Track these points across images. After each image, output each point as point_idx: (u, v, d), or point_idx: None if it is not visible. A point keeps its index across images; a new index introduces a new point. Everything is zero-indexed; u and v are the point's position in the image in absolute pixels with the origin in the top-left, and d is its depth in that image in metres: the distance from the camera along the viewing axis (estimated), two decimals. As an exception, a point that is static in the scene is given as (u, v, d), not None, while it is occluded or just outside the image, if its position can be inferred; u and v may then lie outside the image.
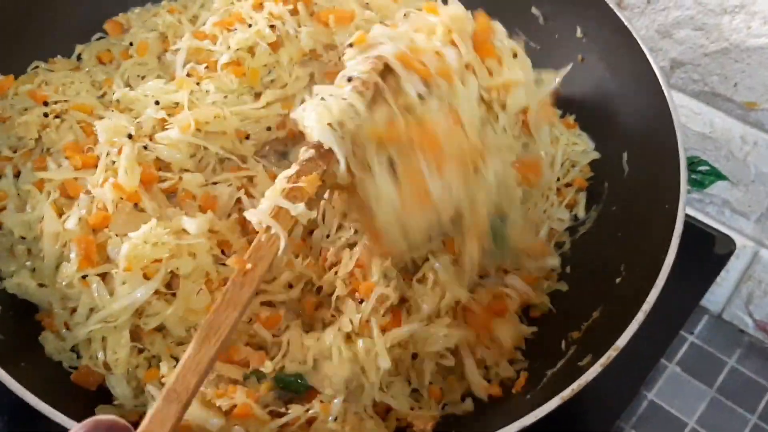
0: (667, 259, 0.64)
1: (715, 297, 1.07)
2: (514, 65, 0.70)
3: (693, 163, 0.98)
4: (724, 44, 0.87)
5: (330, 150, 0.60)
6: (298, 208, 0.58)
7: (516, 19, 0.90)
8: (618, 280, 0.72)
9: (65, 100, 0.81)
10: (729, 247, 0.94)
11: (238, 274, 0.56)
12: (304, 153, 0.61)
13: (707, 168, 0.97)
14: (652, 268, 0.64)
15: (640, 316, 0.61)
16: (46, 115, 0.79)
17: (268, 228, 0.58)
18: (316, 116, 0.60)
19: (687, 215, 0.98)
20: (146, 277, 0.66)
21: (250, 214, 0.59)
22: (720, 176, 0.97)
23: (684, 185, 0.69)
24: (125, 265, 0.65)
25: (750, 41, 0.85)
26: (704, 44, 0.89)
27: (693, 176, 0.99)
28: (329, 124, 0.59)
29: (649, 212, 0.74)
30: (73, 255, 0.69)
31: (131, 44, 0.88)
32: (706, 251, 0.94)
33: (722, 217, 1.00)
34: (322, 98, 0.62)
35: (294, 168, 0.61)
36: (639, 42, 0.79)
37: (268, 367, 0.64)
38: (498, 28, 0.70)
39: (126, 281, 0.66)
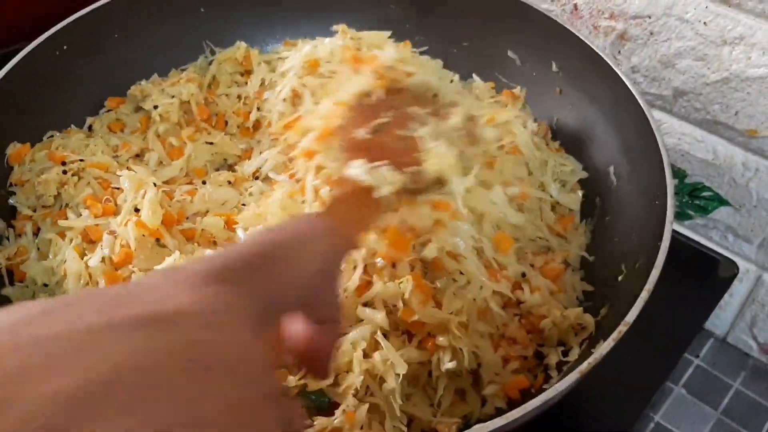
0: (663, 244, 0.67)
1: (720, 321, 1.08)
2: None
3: (696, 189, 0.99)
4: (724, 74, 0.89)
5: None
6: None
7: (495, 64, 0.97)
8: (620, 278, 0.74)
9: (81, 159, 0.84)
10: (732, 270, 0.95)
11: None
12: None
13: (710, 194, 0.98)
14: (650, 257, 0.67)
15: (644, 295, 0.63)
16: (64, 172, 0.83)
17: None
18: None
19: (691, 239, 1.00)
20: None
21: None
22: (723, 202, 0.98)
23: (670, 178, 0.72)
24: None
25: (749, 71, 0.87)
26: (705, 74, 0.90)
27: (696, 202, 1.00)
28: None
29: (640, 211, 0.77)
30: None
31: (155, 107, 0.91)
32: (710, 275, 0.95)
33: (726, 242, 1.01)
34: None
35: None
36: (610, 65, 0.83)
37: (291, 382, 0.66)
38: None
39: None
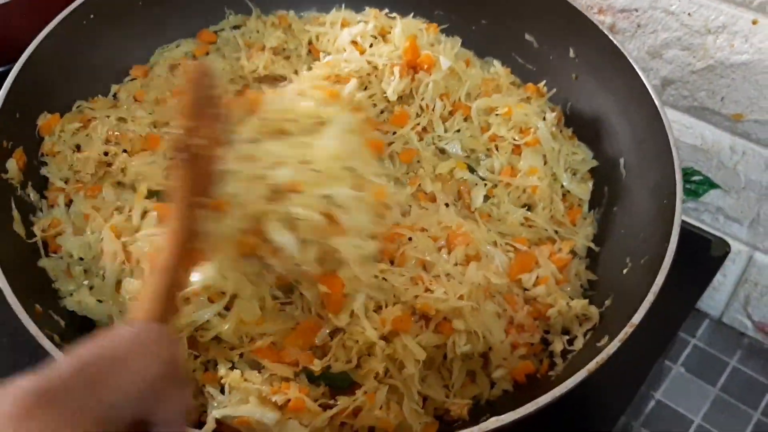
0: (670, 247, 0.69)
1: (715, 302, 1.12)
2: None
3: (687, 174, 1.03)
4: (709, 62, 0.93)
5: None
6: None
7: (512, 45, 0.98)
8: (625, 271, 0.77)
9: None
10: (724, 249, 0.99)
11: None
12: None
13: (700, 178, 1.02)
14: (657, 256, 0.69)
15: (650, 297, 0.65)
16: (106, 153, 0.85)
17: None
18: None
19: (684, 222, 1.04)
20: (210, 300, 0.71)
21: None
22: (713, 185, 1.02)
23: (680, 181, 0.74)
24: (195, 290, 0.70)
25: (733, 58, 0.91)
26: (691, 62, 0.95)
27: (687, 186, 1.04)
28: None
29: (648, 208, 0.79)
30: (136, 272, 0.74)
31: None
32: (703, 255, 0.99)
33: (717, 224, 1.05)
34: None
35: None
36: (628, 58, 0.85)
37: (317, 365, 0.69)
38: None
39: (192, 301, 0.70)
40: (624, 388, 0.87)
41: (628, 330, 0.63)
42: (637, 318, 0.64)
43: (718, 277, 1.08)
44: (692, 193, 1.04)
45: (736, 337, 1.12)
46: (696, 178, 1.03)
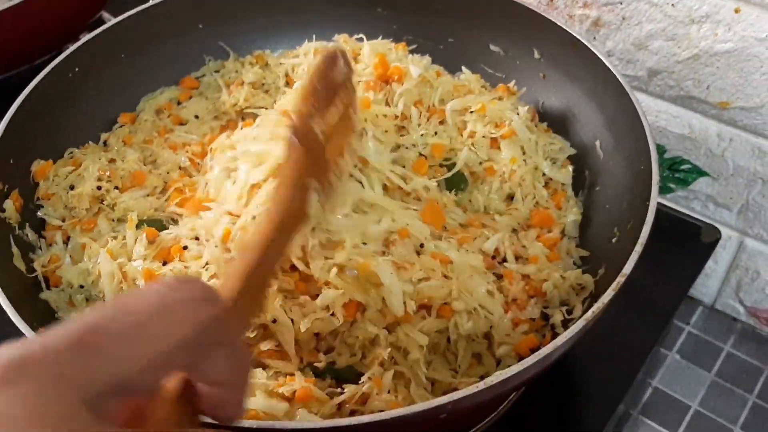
0: (651, 201, 0.71)
1: (707, 288, 1.14)
2: None
3: (676, 163, 1.05)
4: (694, 51, 0.95)
5: None
6: None
7: (479, 57, 1.02)
8: (614, 240, 0.79)
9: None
10: (715, 235, 1.01)
11: None
12: None
13: (689, 166, 1.04)
14: (640, 215, 0.71)
15: (638, 248, 0.67)
16: (99, 188, 0.88)
17: None
18: None
19: (674, 210, 1.06)
20: None
21: None
22: (701, 173, 1.04)
23: (652, 143, 0.76)
24: None
25: (717, 47, 0.93)
26: (676, 53, 0.96)
27: (677, 175, 1.06)
28: None
29: (627, 178, 0.81)
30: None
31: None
32: (694, 241, 1.01)
33: (707, 212, 1.07)
34: None
35: None
36: (588, 46, 0.87)
37: (321, 359, 0.70)
38: None
39: None
40: (621, 375, 0.89)
41: (620, 280, 0.65)
42: (627, 268, 0.65)
43: (710, 263, 1.10)
44: (681, 182, 1.06)
45: (729, 322, 1.14)
46: (685, 166, 1.05)
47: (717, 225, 1.05)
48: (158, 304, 0.38)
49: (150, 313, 0.38)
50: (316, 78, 0.68)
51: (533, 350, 0.71)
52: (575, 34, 0.89)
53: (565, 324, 0.76)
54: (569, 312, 0.78)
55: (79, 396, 0.33)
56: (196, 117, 0.99)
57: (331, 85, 0.68)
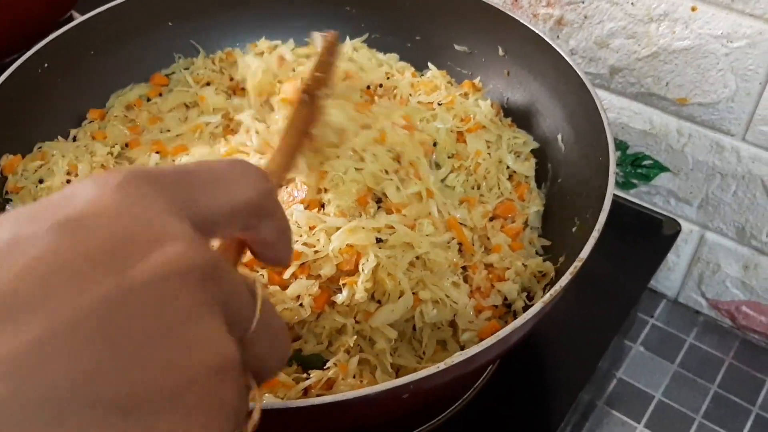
0: (608, 191, 0.72)
1: (670, 282, 1.16)
2: None
3: (638, 159, 1.08)
4: (653, 49, 0.97)
5: None
6: None
7: (446, 54, 1.04)
8: (574, 229, 0.80)
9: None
10: (675, 228, 1.03)
11: None
12: None
13: (651, 162, 1.07)
14: (598, 202, 0.72)
15: (595, 234, 0.68)
16: (68, 182, 0.88)
17: None
18: None
19: (637, 205, 1.09)
20: None
21: None
22: (663, 168, 1.07)
23: (609, 135, 0.78)
24: None
25: (675, 44, 0.95)
26: (637, 50, 0.99)
27: (639, 171, 1.09)
28: None
29: (587, 169, 0.83)
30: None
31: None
32: (655, 234, 1.04)
33: (669, 206, 1.10)
34: None
35: None
36: (550, 43, 0.90)
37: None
38: None
39: None
40: (582, 365, 0.91)
41: (577, 264, 0.66)
42: (584, 254, 0.67)
43: (673, 257, 1.13)
44: (644, 177, 1.09)
45: (691, 315, 1.16)
46: (647, 162, 1.07)
47: (679, 219, 1.08)
48: (231, 170, 0.41)
49: (227, 172, 0.40)
50: (325, 54, 0.80)
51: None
52: (539, 33, 0.91)
53: (526, 310, 0.78)
54: (530, 298, 0.80)
55: (184, 213, 0.35)
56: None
57: (328, 63, 0.80)
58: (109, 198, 0.32)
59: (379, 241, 0.75)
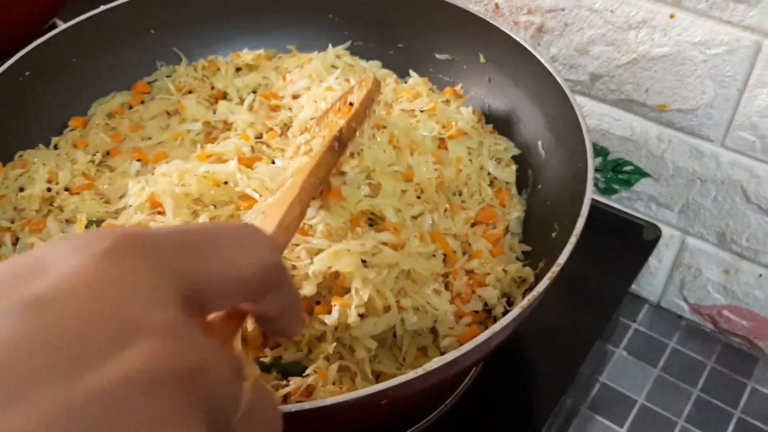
0: (586, 196, 0.73)
1: (653, 287, 1.17)
2: None
3: (618, 165, 1.09)
4: (633, 56, 0.98)
5: None
6: None
7: (427, 61, 1.05)
8: (554, 234, 0.81)
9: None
10: (656, 233, 1.04)
11: None
12: None
13: (632, 168, 1.08)
14: (577, 209, 0.73)
15: (573, 239, 0.69)
16: (49, 189, 0.88)
17: None
18: None
19: (619, 210, 1.10)
20: None
21: None
22: (643, 174, 1.07)
23: (588, 141, 0.79)
24: None
25: (654, 51, 0.96)
26: (616, 57, 1.00)
27: (620, 177, 1.10)
28: None
29: (566, 175, 0.84)
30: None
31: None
32: (636, 239, 1.05)
33: (650, 212, 1.10)
34: None
35: None
36: (529, 49, 0.90)
37: (267, 354, 0.71)
38: None
39: None
40: (564, 369, 0.92)
41: (554, 269, 0.66)
42: (562, 259, 0.67)
43: (655, 262, 1.14)
44: (625, 183, 1.10)
45: (674, 320, 1.17)
46: (628, 168, 1.08)
47: (660, 224, 1.08)
48: (238, 237, 0.39)
49: (233, 240, 0.38)
50: (365, 101, 0.82)
51: (476, 342, 0.73)
52: (520, 40, 0.92)
53: (506, 315, 0.78)
54: (510, 303, 0.80)
55: (177, 287, 0.32)
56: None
57: (369, 112, 0.83)
58: (89, 271, 0.29)
59: (363, 261, 0.75)
